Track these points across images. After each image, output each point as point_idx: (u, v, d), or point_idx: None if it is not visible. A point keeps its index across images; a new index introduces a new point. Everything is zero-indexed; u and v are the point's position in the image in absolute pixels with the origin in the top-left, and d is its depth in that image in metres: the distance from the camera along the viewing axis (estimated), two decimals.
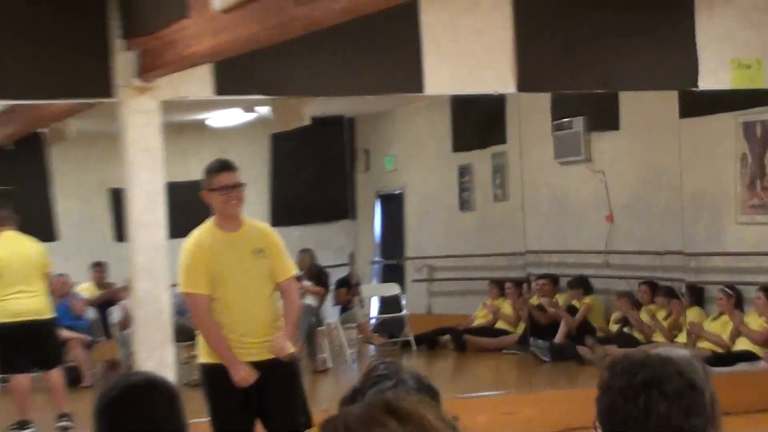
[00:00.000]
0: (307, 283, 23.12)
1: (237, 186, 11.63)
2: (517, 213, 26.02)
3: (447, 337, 24.99)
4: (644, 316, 22.32)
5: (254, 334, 11.51)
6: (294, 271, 12.18)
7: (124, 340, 21.41)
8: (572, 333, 22.84)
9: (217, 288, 11.49)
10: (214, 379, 11.50)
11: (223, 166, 11.89)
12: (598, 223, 24.35)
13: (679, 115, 22.21)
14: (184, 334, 18.74)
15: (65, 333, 21.84)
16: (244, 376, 11.23)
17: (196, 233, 11.82)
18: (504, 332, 24.63)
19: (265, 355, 11.49)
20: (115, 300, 22.79)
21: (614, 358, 4.63)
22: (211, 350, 11.41)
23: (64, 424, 15.33)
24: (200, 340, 11.77)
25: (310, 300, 23.02)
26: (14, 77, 15.70)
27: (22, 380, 16.56)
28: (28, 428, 16.50)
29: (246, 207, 12.04)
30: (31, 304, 16.38)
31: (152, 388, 4.91)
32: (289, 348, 11.40)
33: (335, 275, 26.65)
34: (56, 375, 16.56)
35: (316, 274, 23.64)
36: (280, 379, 11.60)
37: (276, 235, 12.09)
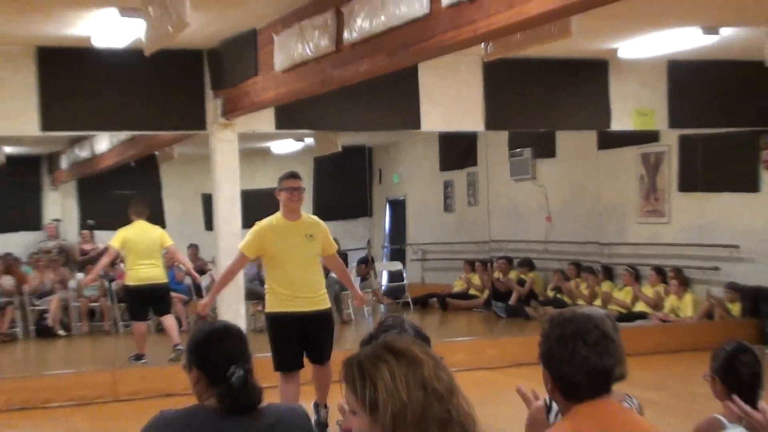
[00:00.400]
0: None
1: (298, 189, 11.77)
2: (484, 214, 26.09)
3: (434, 299, 24.95)
4: (572, 286, 22.34)
5: (304, 292, 11.64)
6: (334, 249, 12.31)
7: None
8: (521, 298, 22.84)
9: (280, 260, 11.68)
10: (276, 323, 11.69)
11: (291, 174, 12.09)
12: (540, 222, 24.43)
13: (597, 147, 22.37)
14: (252, 295, 18.92)
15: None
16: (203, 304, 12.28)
17: (269, 218, 11.94)
18: (474, 297, 24.60)
19: (310, 308, 11.66)
20: (205, 271, 22.76)
21: (551, 316, 4.71)
22: (276, 291, 11.64)
23: (178, 347, 15.45)
24: (267, 296, 11.79)
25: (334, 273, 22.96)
26: (138, 116, 15.91)
27: (141, 326, 16.73)
28: (142, 360, 16.53)
29: None
30: (152, 272, 16.58)
31: (227, 331, 4.99)
32: (365, 297, 11.86)
33: (357, 255, 26.65)
34: (170, 318, 16.72)
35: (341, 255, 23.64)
36: (320, 325, 11.81)
37: (324, 225, 12.15)
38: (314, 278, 11.91)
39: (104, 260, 17.30)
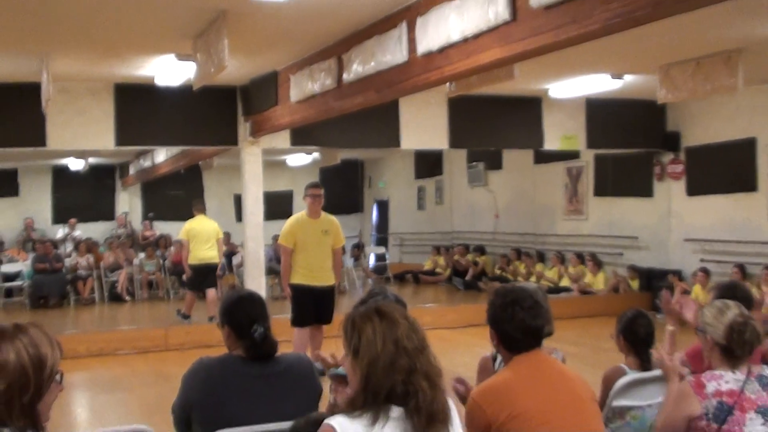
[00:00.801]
0: None
1: (320, 196, 12.25)
2: (448, 211, 26.18)
3: (409, 275, 24.90)
4: (513, 267, 22.30)
5: (318, 271, 12.11)
6: (341, 244, 12.53)
7: (239, 273, 21.40)
8: (475, 275, 22.79)
9: (302, 248, 12.08)
10: (298, 291, 12.08)
11: (315, 184, 12.51)
12: (490, 218, 24.39)
13: (534, 162, 22.40)
14: (270, 271, 18.82)
15: None
16: (288, 293, 12.24)
17: (296, 216, 12.45)
18: (439, 274, 24.54)
19: (322, 282, 12.14)
20: (235, 252, 22.71)
21: (495, 288, 4.75)
22: (301, 268, 12.06)
23: (212, 319, 15.36)
24: (293, 272, 12.15)
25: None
26: (188, 134, 16.02)
27: (193, 294, 16.65)
28: (188, 319, 16.47)
29: (304, 206, 12.33)
30: (209, 253, 16.53)
31: (251, 297, 5.01)
32: (336, 278, 12.33)
33: (351, 242, 26.51)
34: (212, 292, 16.54)
35: None
36: (326, 296, 12.22)
37: (337, 223, 12.51)
38: (327, 262, 12.22)
39: (183, 253, 17.08)
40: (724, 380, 4.65)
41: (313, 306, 12.15)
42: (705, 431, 4.59)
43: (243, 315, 4.84)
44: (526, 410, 4.17)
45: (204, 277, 16.70)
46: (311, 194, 12.23)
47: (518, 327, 4.44)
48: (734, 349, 4.71)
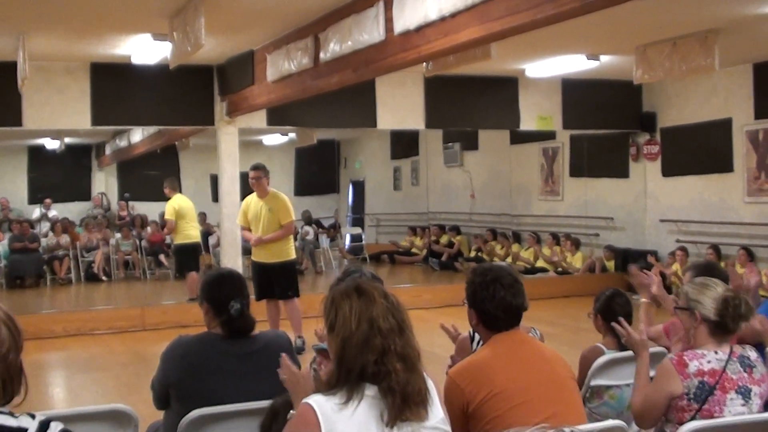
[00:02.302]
0: (306, 228, 23.12)
1: (254, 178, 12.35)
2: (424, 192, 26.10)
3: (385, 255, 24.88)
4: (490, 247, 22.33)
5: (267, 248, 12.39)
6: (286, 220, 12.37)
7: (215, 253, 21.33)
8: (451, 255, 22.80)
9: (253, 226, 12.45)
10: (253, 267, 12.76)
11: (252, 167, 12.57)
12: (466, 198, 24.35)
13: (510, 143, 22.38)
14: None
15: None
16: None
17: (249, 196, 12.67)
18: (415, 254, 24.55)
19: (271, 259, 12.39)
20: (211, 232, 22.65)
21: (474, 267, 4.79)
22: (255, 246, 12.52)
23: (193, 299, 15.36)
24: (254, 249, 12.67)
25: (310, 236, 22.97)
26: (164, 114, 15.95)
27: (194, 275, 16.36)
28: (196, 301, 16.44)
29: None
30: (196, 232, 16.70)
31: (230, 275, 5.09)
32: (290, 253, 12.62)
33: (327, 222, 26.49)
34: (194, 275, 16.39)
35: (310, 222, 23.49)
36: (278, 271, 12.46)
37: (283, 201, 12.51)
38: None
39: (167, 232, 17.69)
40: (706, 360, 4.64)
41: (266, 281, 12.46)
42: (685, 410, 4.60)
43: (221, 292, 4.88)
44: (505, 389, 4.17)
45: (192, 255, 16.72)
46: (250, 176, 12.45)
47: (499, 305, 4.44)
48: (728, 323, 4.69)
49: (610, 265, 19.18)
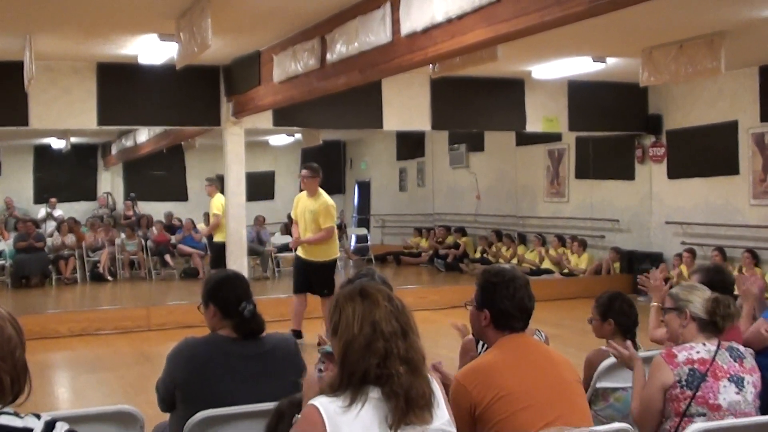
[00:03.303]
0: None
1: (302, 176, 13.08)
2: (429, 193, 26.20)
3: (391, 256, 24.90)
4: (496, 248, 22.33)
5: (308, 246, 12.88)
6: (327, 224, 12.76)
7: None
8: (457, 256, 22.81)
9: (299, 220, 13.00)
10: (295, 261, 13.34)
11: (304, 166, 13.40)
12: (472, 200, 24.38)
13: (515, 144, 22.42)
14: (252, 252, 18.81)
15: (191, 250, 21.84)
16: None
17: (301, 193, 13.34)
18: (421, 255, 24.58)
19: (312, 257, 12.88)
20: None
21: (486, 269, 4.78)
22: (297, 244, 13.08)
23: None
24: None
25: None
26: (170, 114, 16.01)
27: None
28: None
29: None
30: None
31: (237, 277, 5.10)
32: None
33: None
34: None
35: None
36: (318, 270, 12.86)
37: (325, 204, 12.87)
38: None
39: (211, 229, 17.81)
40: (695, 350, 4.79)
41: (304, 277, 12.95)
42: (680, 399, 4.70)
43: (230, 293, 4.88)
44: (512, 392, 4.16)
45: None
46: (301, 174, 13.18)
47: (517, 304, 4.44)
48: (717, 321, 4.84)
49: (616, 267, 19.16)
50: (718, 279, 5.83)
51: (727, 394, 4.65)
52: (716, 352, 4.76)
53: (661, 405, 4.76)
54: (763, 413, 4.78)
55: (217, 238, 16.87)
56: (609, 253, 19.39)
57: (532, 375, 4.29)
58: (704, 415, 4.65)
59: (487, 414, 4.16)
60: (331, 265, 13.06)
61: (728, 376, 4.70)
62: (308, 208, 12.79)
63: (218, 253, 17.02)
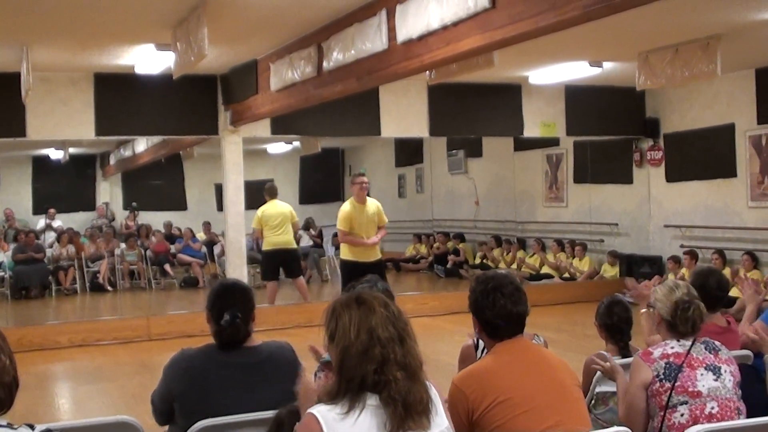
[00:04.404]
0: (301, 232, 23.20)
1: (366, 184, 13.74)
2: (428, 199, 26.12)
3: (390, 263, 24.87)
4: (495, 254, 22.34)
5: (367, 248, 13.51)
6: (385, 222, 13.86)
7: (220, 263, 21.35)
8: (456, 262, 22.82)
9: (360, 230, 13.35)
10: (350, 267, 13.33)
11: (361, 174, 14.07)
12: (470, 206, 24.33)
13: (513, 149, 22.41)
14: (252, 260, 18.79)
15: (190, 259, 21.85)
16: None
17: (347, 203, 13.68)
18: (420, 261, 24.57)
19: (371, 258, 13.47)
20: (216, 242, 22.67)
21: (476, 275, 4.79)
22: (352, 247, 13.43)
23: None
24: (343, 248, 13.71)
25: (304, 241, 22.84)
26: (168, 124, 16.07)
27: (273, 284, 16.39)
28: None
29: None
30: (281, 238, 16.16)
31: (232, 286, 5.08)
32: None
33: (332, 230, 26.35)
34: (301, 280, 16.63)
35: (318, 231, 23.45)
36: (377, 267, 13.21)
37: (379, 205, 13.88)
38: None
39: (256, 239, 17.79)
40: (670, 346, 4.92)
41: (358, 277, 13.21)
42: (661, 392, 4.80)
43: (219, 303, 4.88)
44: (510, 397, 4.18)
45: (279, 262, 16.57)
46: (356, 182, 13.65)
47: (499, 314, 4.44)
48: (678, 324, 4.95)
49: (614, 270, 19.18)
50: (712, 281, 5.94)
51: (705, 380, 4.76)
52: (691, 346, 4.88)
53: (644, 404, 4.86)
54: (756, 414, 4.80)
55: (263, 247, 16.81)
56: (607, 257, 19.42)
57: (530, 379, 4.30)
58: (686, 402, 4.74)
59: (485, 419, 4.17)
60: (384, 263, 14.04)
61: (704, 365, 4.82)
62: (368, 212, 13.46)
63: (261, 262, 17.29)
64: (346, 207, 13.49)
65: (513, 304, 4.46)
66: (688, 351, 4.84)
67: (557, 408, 4.26)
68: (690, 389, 4.73)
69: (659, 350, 4.89)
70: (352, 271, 13.00)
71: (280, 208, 16.40)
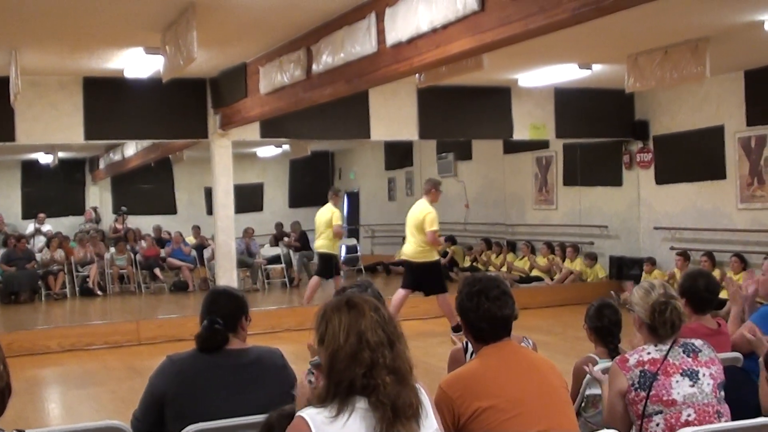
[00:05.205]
0: (287, 238, 23.26)
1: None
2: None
3: (381, 266, 24.89)
4: (486, 257, 22.33)
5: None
6: (428, 228, 14.17)
7: (210, 267, 21.30)
8: (446, 265, 22.81)
9: None
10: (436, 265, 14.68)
11: (438, 181, 15.04)
12: (460, 208, 24.35)
13: (503, 152, 22.45)
14: (242, 264, 18.77)
15: (180, 263, 21.79)
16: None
17: (430, 205, 14.52)
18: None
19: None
20: (206, 246, 22.64)
21: (464, 278, 4.80)
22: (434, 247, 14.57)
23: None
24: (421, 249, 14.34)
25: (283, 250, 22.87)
26: (157, 127, 16.10)
27: (316, 281, 17.00)
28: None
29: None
30: (317, 243, 17.00)
31: (221, 293, 5.14)
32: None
33: None
34: (338, 280, 16.84)
35: (299, 234, 23.34)
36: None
37: (426, 213, 14.29)
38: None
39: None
40: (646, 352, 4.91)
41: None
42: (636, 401, 4.81)
43: (203, 309, 4.97)
44: (498, 401, 4.17)
45: (322, 265, 17.16)
46: (439, 188, 14.75)
47: (483, 317, 4.44)
48: (657, 327, 4.92)
49: (594, 272, 19.27)
50: (701, 283, 5.94)
51: (680, 388, 4.76)
52: (669, 350, 4.87)
53: (623, 410, 4.88)
54: (745, 416, 4.80)
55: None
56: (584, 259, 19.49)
57: (518, 383, 4.30)
58: (661, 412, 4.75)
59: (473, 424, 4.17)
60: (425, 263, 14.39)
61: (680, 371, 4.81)
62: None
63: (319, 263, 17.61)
64: (432, 210, 14.32)
65: (498, 307, 4.45)
66: (665, 356, 4.83)
67: (545, 413, 4.26)
68: (665, 398, 4.74)
69: (635, 357, 4.88)
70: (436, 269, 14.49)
71: (321, 213, 17.10)
